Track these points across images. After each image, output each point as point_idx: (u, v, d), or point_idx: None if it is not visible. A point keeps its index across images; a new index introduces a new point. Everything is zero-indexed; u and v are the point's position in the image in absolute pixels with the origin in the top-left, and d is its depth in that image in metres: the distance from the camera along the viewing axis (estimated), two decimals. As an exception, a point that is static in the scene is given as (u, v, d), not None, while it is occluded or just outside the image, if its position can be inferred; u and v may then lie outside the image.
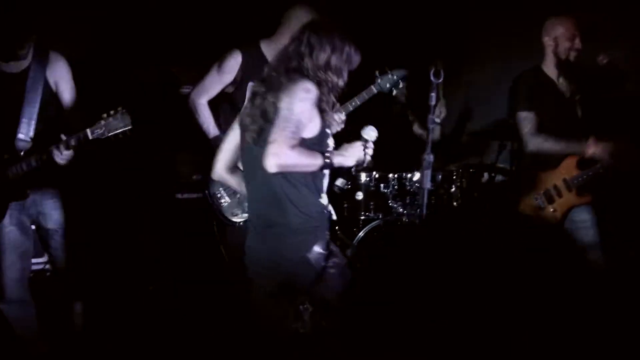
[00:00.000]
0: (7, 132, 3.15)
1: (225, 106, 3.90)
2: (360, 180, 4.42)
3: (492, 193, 4.34)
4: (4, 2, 3.06)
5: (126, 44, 4.68)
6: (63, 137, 3.08)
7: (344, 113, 3.70)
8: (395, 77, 3.68)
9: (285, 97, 2.67)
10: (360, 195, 4.40)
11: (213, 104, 3.88)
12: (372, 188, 4.41)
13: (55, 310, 3.48)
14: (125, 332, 3.88)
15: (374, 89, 3.71)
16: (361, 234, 4.23)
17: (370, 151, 2.83)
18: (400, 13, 5.23)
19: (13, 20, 3.08)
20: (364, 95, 3.71)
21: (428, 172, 2.81)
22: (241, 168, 2.98)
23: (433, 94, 2.78)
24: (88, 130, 3.08)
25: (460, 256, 4.16)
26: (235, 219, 3.80)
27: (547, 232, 3.78)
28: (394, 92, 3.77)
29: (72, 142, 3.07)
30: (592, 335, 3.71)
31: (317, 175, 2.79)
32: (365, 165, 2.84)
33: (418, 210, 4.21)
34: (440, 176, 4.38)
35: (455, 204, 4.39)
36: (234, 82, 3.84)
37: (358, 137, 2.86)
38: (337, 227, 4.61)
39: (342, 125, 3.66)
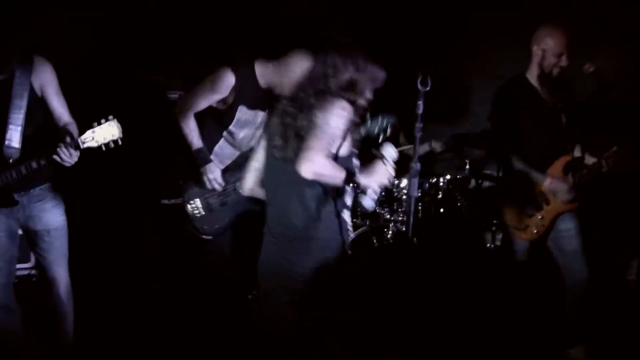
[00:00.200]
0: None
1: (211, 122, 3.89)
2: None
3: (480, 199, 4.36)
4: None
5: (117, 48, 4.68)
6: (68, 138, 3.07)
7: None
8: (384, 123, 3.70)
9: (320, 113, 2.76)
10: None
11: (200, 115, 3.88)
12: (360, 192, 4.41)
13: (42, 316, 3.45)
14: (118, 335, 3.88)
15: (361, 131, 3.69)
16: (352, 235, 4.24)
17: (392, 171, 2.89)
18: (385, 23, 5.25)
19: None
20: None
21: (415, 180, 2.82)
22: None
23: (420, 102, 2.79)
24: (79, 139, 3.07)
25: (448, 261, 4.18)
26: (201, 231, 3.86)
27: (535, 239, 3.80)
28: (380, 139, 3.79)
29: (70, 146, 3.06)
30: (578, 340, 3.75)
31: (341, 192, 2.86)
32: (389, 185, 2.88)
33: (404, 217, 4.23)
34: (427, 184, 4.40)
35: (442, 210, 4.41)
36: (223, 102, 3.84)
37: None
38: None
39: None
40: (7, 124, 3.13)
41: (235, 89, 3.78)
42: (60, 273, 3.38)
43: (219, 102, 3.85)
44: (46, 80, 3.26)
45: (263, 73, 3.81)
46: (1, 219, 3.21)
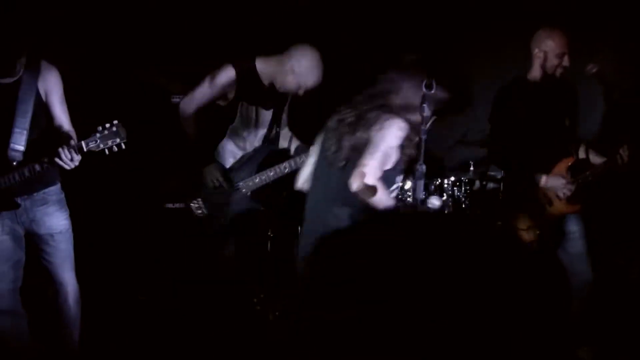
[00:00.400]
0: (0, 142, 3.13)
1: (214, 121, 3.90)
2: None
3: (484, 201, 4.36)
4: None
5: (121, 49, 4.69)
6: (72, 142, 3.07)
7: None
8: None
9: (378, 131, 2.88)
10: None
11: (203, 115, 3.89)
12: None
13: (48, 320, 3.46)
14: (124, 338, 3.90)
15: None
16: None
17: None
18: (387, 25, 5.26)
19: (4, 41, 3.07)
20: None
21: (421, 183, 2.83)
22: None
23: (425, 105, 2.79)
24: (82, 142, 3.07)
25: (453, 262, 4.17)
26: (207, 229, 3.89)
27: (537, 240, 3.81)
28: None
29: (73, 149, 3.06)
30: (582, 342, 3.76)
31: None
32: None
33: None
34: (432, 186, 4.40)
35: (446, 212, 4.41)
36: (224, 98, 3.84)
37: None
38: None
39: None
40: (12, 127, 3.14)
41: (236, 84, 3.79)
42: (67, 277, 3.37)
43: (220, 99, 3.85)
44: (51, 86, 3.27)
45: (265, 69, 3.83)
46: (5, 222, 3.21)
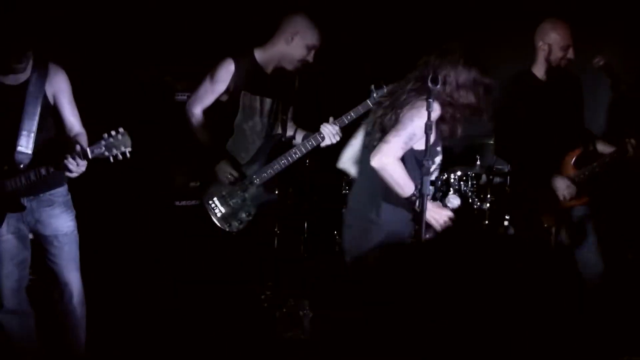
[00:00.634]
0: (7, 145, 3.12)
1: (220, 118, 3.88)
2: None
3: (491, 195, 4.34)
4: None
5: (124, 48, 4.67)
6: (78, 147, 3.06)
7: (338, 125, 3.73)
8: None
9: (407, 110, 2.90)
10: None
11: (209, 113, 3.87)
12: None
13: (53, 321, 3.45)
14: (131, 338, 3.88)
15: (369, 103, 3.70)
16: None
17: (445, 219, 2.97)
18: (387, 20, 5.25)
19: (9, 34, 3.05)
20: (359, 109, 3.74)
21: (427, 178, 2.81)
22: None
23: (431, 100, 2.77)
24: (88, 149, 3.06)
25: (460, 258, 4.16)
26: (228, 228, 3.83)
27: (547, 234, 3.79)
28: None
29: (79, 155, 3.05)
30: (590, 337, 3.73)
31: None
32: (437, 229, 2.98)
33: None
34: (439, 181, 4.38)
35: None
36: (227, 91, 3.83)
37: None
38: (335, 232, 4.61)
39: (338, 138, 3.71)
40: (20, 130, 3.13)
41: (236, 77, 3.78)
42: (72, 278, 3.35)
43: (223, 94, 3.85)
44: (60, 89, 3.26)
45: (266, 56, 3.84)
46: (11, 222, 3.20)
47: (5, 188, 3.11)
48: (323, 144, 3.79)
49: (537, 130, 3.78)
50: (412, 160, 2.94)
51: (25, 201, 3.19)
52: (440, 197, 3.24)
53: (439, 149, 3.05)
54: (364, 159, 3.11)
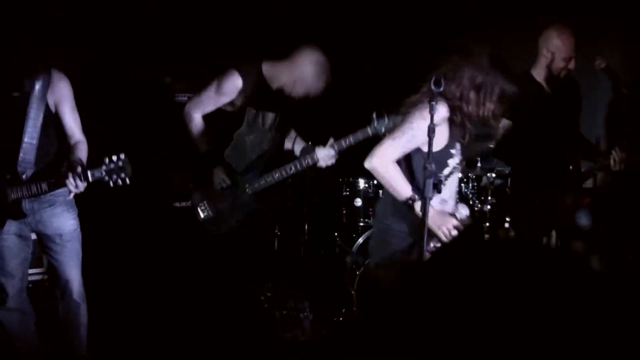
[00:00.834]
0: (9, 153, 3.11)
1: (220, 125, 3.86)
2: (359, 186, 4.42)
3: (492, 197, 4.34)
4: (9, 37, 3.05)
5: (123, 49, 4.66)
6: (79, 169, 3.06)
7: (336, 150, 3.70)
8: (392, 122, 3.57)
9: (412, 112, 2.87)
10: (359, 202, 4.41)
11: (209, 117, 3.86)
12: (371, 194, 4.40)
13: (55, 320, 3.44)
14: (131, 338, 3.88)
15: (369, 131, 3.64)
16: (360, 240, 4.23)
17: (452, 230, 2.91)
18: (395, 20, 5.24)
19: (18, 57, 3.07)
20: (359, 136, 3.67)
21: (430, 181, 2.79)
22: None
23: (433, 103, 2.76)
24: (89, 172, 3.06)
25: (460, 260, 4.16)
26: (215, 231, 3.86)
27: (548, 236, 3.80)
28: None
29: (80, 178, 3.05)
30: (590, 337, 3.73)
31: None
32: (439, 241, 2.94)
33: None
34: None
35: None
36: (231, 104, 3.81)
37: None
38: (335, 234, 4.61)
39: (333, 161, 3.69)
40: (22, 140, 3.12)
41: (243, 92, 3.75)
42: (73, 275, 3.35)
43: (227, 104, 3.83)
44: (62, 96, 3.24)
45: (272, 73, 3.78)
46: (13, 222, 3.20)
47: (7, 197, 3.12)
48: (319, 164, 3.79)
49: (537, 132, 3.78)
50: (421, 163, 2.88)
51: (26, 202, 3.19)
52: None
53: (453, 151, 2.99)
54: None
